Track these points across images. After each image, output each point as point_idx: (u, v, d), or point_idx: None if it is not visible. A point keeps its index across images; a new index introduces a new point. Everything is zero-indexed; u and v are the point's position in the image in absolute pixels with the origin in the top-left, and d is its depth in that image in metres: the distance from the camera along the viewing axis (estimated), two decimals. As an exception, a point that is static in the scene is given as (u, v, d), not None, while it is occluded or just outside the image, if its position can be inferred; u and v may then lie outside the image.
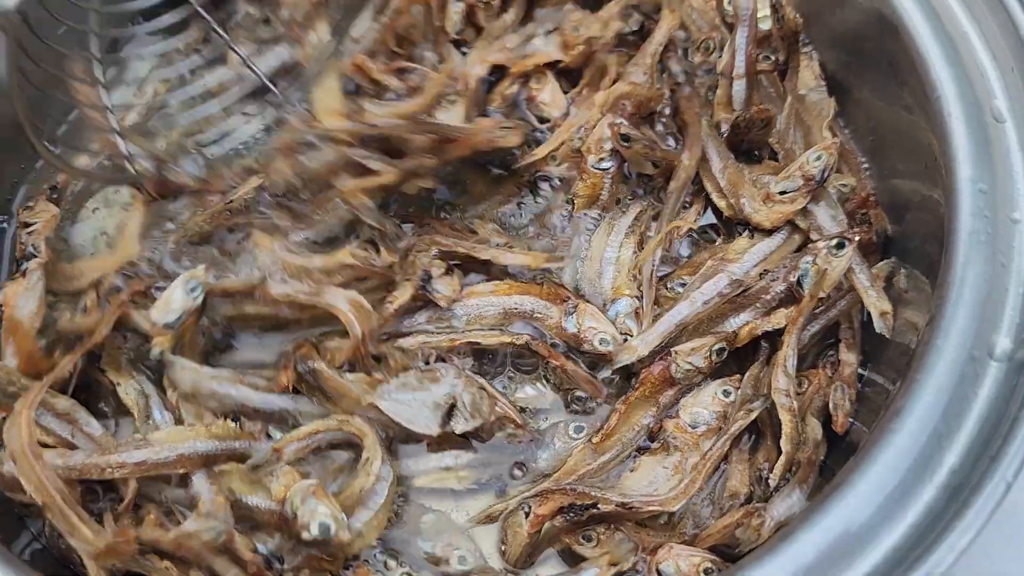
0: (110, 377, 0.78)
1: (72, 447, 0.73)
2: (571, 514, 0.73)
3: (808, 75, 0.90)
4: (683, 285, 0.83)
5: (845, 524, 0.62)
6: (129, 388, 0.77)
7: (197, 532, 0.68)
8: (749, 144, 0.90)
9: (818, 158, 0.81)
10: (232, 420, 0.76)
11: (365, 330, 0.77)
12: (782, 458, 0.74)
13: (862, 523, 0.62)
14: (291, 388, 0.78)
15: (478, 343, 0.81)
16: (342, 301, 0.78)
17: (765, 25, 0.90)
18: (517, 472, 0.80)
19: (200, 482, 0.72)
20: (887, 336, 0.77)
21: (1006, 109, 0.72)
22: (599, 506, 0.73)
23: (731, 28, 0.91)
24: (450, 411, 0.76)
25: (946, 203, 0.71)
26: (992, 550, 0.76)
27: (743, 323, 0.80)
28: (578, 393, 0.82)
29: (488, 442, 0.80)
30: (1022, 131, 0.71)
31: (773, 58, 0.91)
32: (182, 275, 0.77)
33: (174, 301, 0.75)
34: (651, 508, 0.74)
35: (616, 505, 0.73)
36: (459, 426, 0.76)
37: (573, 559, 0.76)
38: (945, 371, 0.65)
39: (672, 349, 0.79)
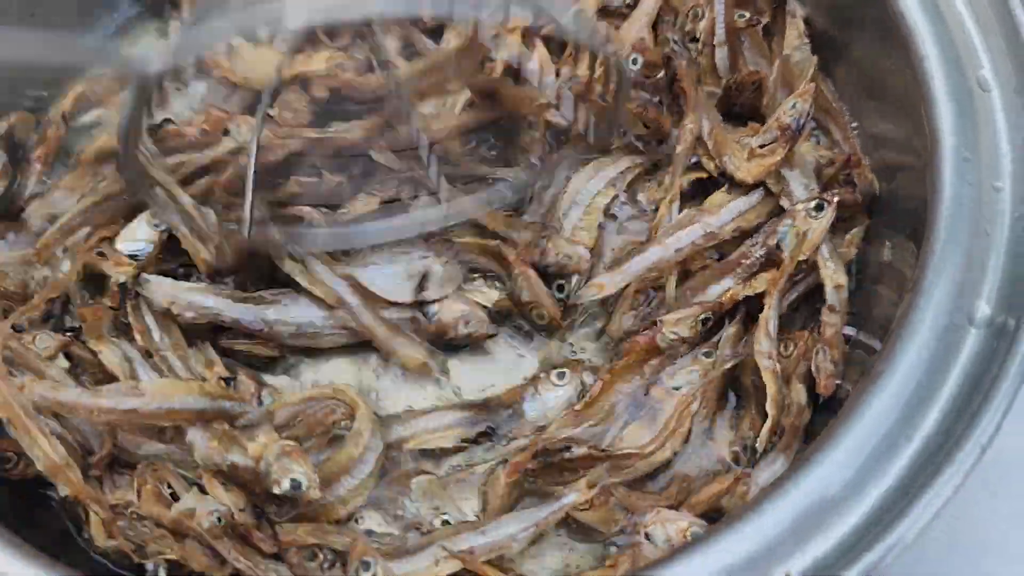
0: (92, 347, 0.77)
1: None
2: (544, 457, 0.74)
3: (792, 34, 0.89)
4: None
5: (824, 486, 0.62)
6: (111, 354, 0.77)
7: (196, 513, 0.68)
8: (742, 109, 0.89)
9: (792, 106, 0.81)
10: (226, 381, 0.76)
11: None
12: (767, 422, 0.74)
13: (841, 485, 0.61)
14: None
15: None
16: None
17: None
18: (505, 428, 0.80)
19: (195, 433, 0.71)
20: (836, 308, 0.77)
21: (992, 78, 0.72)
22: (572, 449, 0.74)
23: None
24: (422, 281, 0.80)
25: (930, 170, 0.71)
26: (973, 512, 0.76)
27: (725, 290, 0.80)
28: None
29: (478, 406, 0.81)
30: (1007, 100, 0.71)
31: (748, 15, 0.90)
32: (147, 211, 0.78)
33: (139, 231, 0.77)
34: (626, 451, 0.75)
35: (589, 448, 0.74)
36: (431, 293, 0.80)
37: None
38: (926, 336, 0.65)
39: (658, 319, 0.79)
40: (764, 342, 0.76)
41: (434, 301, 0.82)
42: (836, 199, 0.79)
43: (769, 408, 0.74)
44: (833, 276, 0.78)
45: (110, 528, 0.69)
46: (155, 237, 0.77)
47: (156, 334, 0.78)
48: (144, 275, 0.78)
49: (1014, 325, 0.64)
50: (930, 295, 0.66)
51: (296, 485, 0.68)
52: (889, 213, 0.81)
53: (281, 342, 0.82)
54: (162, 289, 0.78)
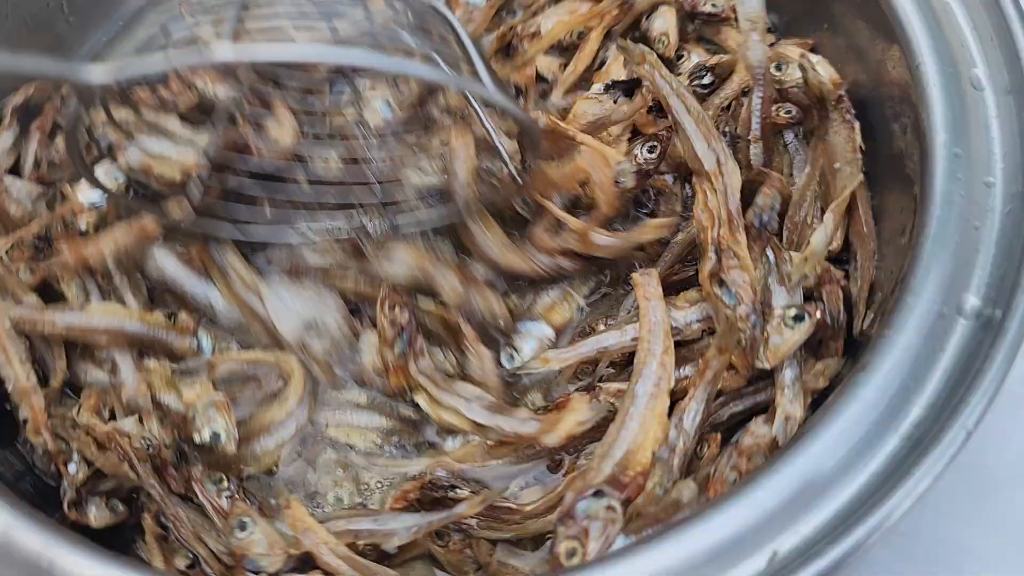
0: (55, 272, 0.82)
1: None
2: (431, 490, 0.76)
3: (847, 147, 0.82)
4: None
5: (810, 473, 0.62)
6: (71, 284, 0.82)
7: (130, 434, 0.73)
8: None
9: (759, 202, 0.80)
10: (168, 316, 0.82)
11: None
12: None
13: (826, 473, 0.62)
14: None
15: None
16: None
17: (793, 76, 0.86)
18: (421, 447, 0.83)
19: (127, 369, 0.78)
20: (779, 443, 0.72)
21: (985, 77, 0.73)
22: (457, 490, 0.76)
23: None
24: (312, 330, 0.83)
25: (921, 165, 0.72)
26: (958, 517, 0.77)
27: (683, 377, 0.76)
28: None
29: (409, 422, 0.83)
30: (1000, 99, 0.72)
31: (793, 111, 0.86)
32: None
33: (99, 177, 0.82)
34: (506, 504, 0.75)
35: (472, 492, 0.76)
36: (313, 346, 0.82)
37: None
38: (915, 327, 0.66)
39: (598, 384, 0.79)
40: (672, 432, 0.72)
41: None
42: (819, 314, 0.74)
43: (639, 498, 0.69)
44: (787, 406, 0.73)
45: (38, 423, 0.75)
46: (113, 185, 0.83)
47: (116, 277, 0.83)
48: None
49: (1001, 317, 0.65)
50: (921, 286, 0.67)
51: (215, 437, 0.73)
52: (881, 192, 0.82)
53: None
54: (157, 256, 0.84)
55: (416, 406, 0.80)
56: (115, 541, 0.75)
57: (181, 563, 0.74)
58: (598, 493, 0.67)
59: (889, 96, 0.81)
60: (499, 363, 0.83)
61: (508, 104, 0.70)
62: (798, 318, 0.73)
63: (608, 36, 0.98)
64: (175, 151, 0.81)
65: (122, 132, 0.82)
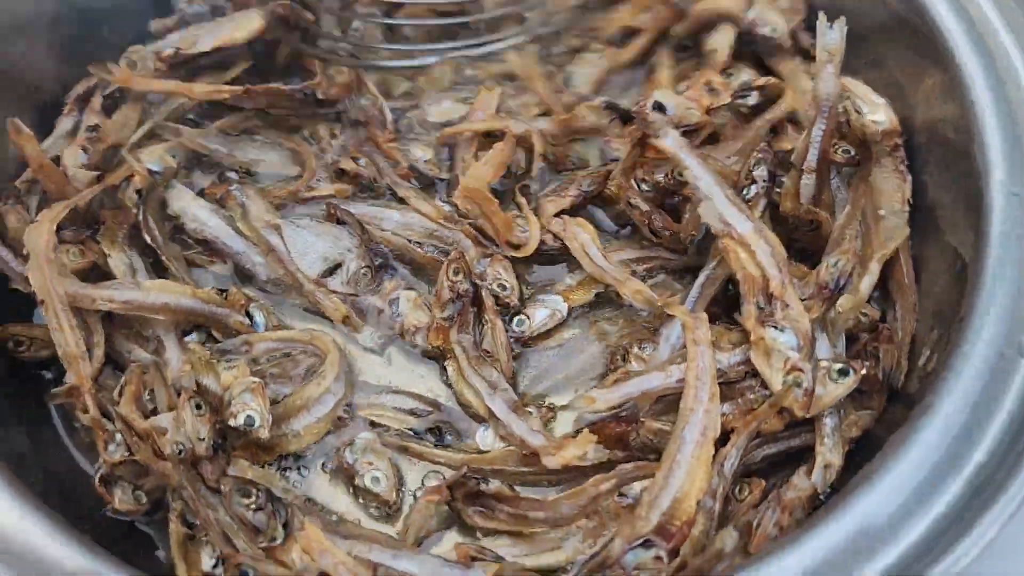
0: (103, 248, 0.85)
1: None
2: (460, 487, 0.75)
3: (896, 196, 0.81)
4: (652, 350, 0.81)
5: (869, 518, 0.62)
6: (119, 261, 0.85)
7: (168, 438, 0.73)
8: (801, 243, 0.85)
9: (835, 263, 0.78)
10: (219, 291, 0.85)
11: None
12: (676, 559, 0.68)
13: (886, 518, 0.61)
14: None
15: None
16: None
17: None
18: (450, 438, 0.82)
19: (172, 348, 0.81)
20: (818, 487, 0.72)
21: (1047, 116, 0.73)
22: (488, 482, 0.76)
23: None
24: (333, 269, 0.86)
25: (980, 206, 0.72)
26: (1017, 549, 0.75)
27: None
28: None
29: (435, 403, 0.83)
30: (1054, 137, 0.73)
31: (852, 151, 0.85)
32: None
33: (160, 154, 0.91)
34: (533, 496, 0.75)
35: (499, 487, 0.76)
36: (333, 283, 0.85)
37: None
38: (975, 369, 0.66)
39: (641, 418, 0.77)
40: (714, 479, 0.70)
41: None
42: (864, 371, 0.73)
43: (684, 547, 0.68)
44: (827, 454, 0.73)
45: (84, 390, 0.77)
46: (172, 164, 0.91)
47: (159, 240, 0.87)
48: (174, 180, 0.90)
49: (1063, 358, 0.64)
50: (980, 329, 0.67)
51: (250, 422, 0.74)
52: (938, 246, 0.80)
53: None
54: (181, 196, 0.89)
55: (448, 386, 0.83)
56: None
57: (207, 562, 0.73)
58: (647, 543, 0.66)
59: (936, 134, 0.81)
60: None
61: None
62: (843, 372, 0.73)
63: (663, 42, 0.99)
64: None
65: None
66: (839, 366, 0.73)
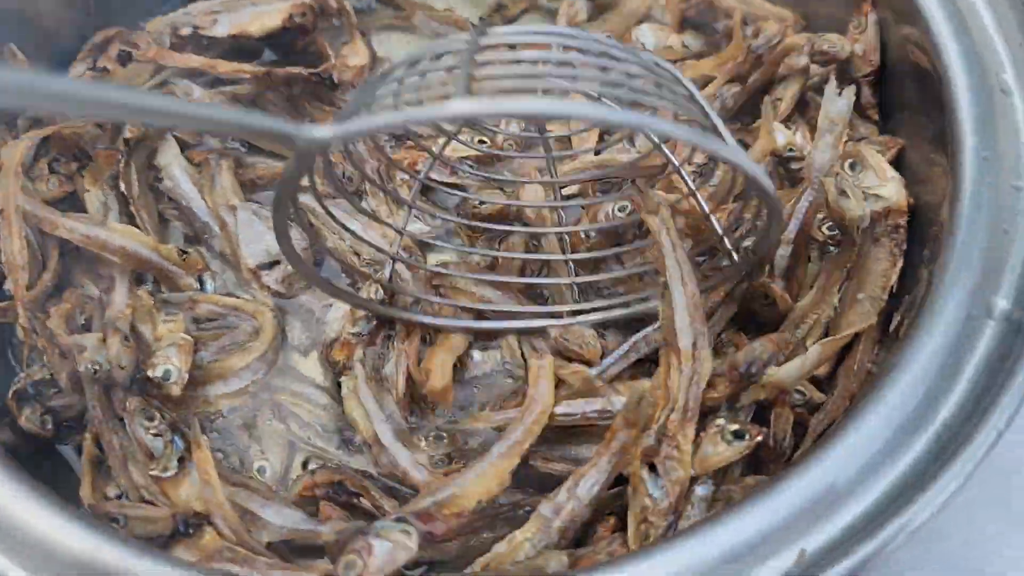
0: (85, 183, 0.88)
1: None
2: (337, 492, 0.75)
3: (877, 280, 0.76)
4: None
5: (832, 477, 0.62)
6: (94, 197, 0.88)
7: (87, 349, 0.75)
8: (755, 316, 0.81)
9: (757, 348, 0.72)
10: (181, 251, 0.87)
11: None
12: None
13: (849, 476, 0.61)
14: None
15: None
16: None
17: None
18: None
19: (121, 291, 0.83)
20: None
21: (1013, 82, 0.74)
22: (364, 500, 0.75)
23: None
24: (273, 264, 0.87)
25: (951, 170, 0.72)
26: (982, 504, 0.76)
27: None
28: None
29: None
30: (1028, 103, 0.73)
31: (838, 233, 0.81)
32: None
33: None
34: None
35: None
36: (268, 277, 0.86)
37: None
38: (943, 330, 0.66)
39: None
40: (562, 495, 0.68)
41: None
42: (760, 437, 0.69)
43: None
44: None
45: (18, 299, 0.80)
46: None
47: (135, 190, 0.89)
48: (168, 133, 0.92)
49: (1030, 320, 0.65)
50: (949, 289, 0.67)
51: (167, 376, 0.76)
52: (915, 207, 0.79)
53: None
54: (166, 152, 0.91)
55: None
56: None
57: (111, 491, 0.75)
58: (400, 519, 0.66)
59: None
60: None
61: (757, 171, 0.61)
62: (738, 435, 0.68)
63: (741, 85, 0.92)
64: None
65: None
66: (734, 427, 0.69)
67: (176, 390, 0.76)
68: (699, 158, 0.87)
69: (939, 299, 0.67)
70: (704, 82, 0.91)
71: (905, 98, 0.85)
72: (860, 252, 0.78)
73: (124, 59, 0.94)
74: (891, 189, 0.77)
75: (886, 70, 0.87)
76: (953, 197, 0.71)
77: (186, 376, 0.77)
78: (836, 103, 0.84)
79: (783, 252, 0.80)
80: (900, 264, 0.76)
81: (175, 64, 0.94)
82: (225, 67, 0.93)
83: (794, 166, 0.88)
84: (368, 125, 0.57)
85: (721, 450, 0.68)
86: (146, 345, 0.79)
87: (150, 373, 0.76)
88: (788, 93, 0.90)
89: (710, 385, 0.71)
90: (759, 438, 0.69)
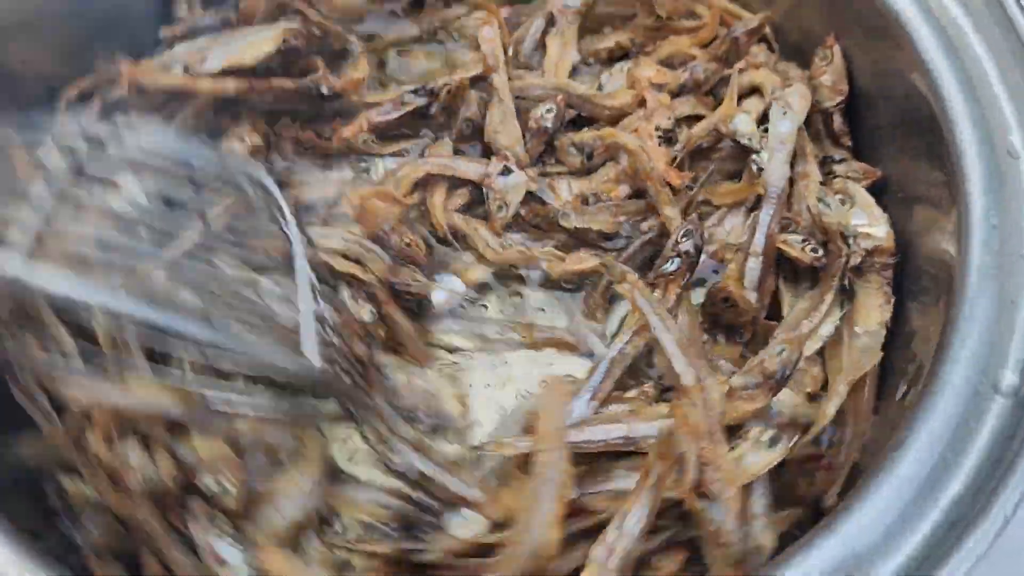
0: None
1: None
2: None
3: (871, 314, 0.80)
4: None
5: (847, 549, 0.63)
6: None
7: (135, 468, 0.73)
8: (726, 322, 0.85)
9: (780, 352, 0.76)
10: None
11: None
12: None
13: (863, 549, 0.63)
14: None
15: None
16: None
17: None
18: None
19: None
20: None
21: (1021, 146, 0.73)
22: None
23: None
24: None
25: (958, 237, 0.72)
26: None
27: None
28: None
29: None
30: (1036, 168, 0.73)
31: (820, 253, 0.83)
32: None
33: None
34: None
35: None
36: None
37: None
38: (951, 403, 0.66)
39: None
40: (611, 534, 0.70)
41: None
42: (795, 439, 0.75)
43: None
44: (758, 536, 0.73)
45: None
46: None
47: None
48: None
49: (1040, 394, 0.65)
50: (955, 362, 0.68)
51: (222, 489, 0.73)
52: (916, 278, 0.81)
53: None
54: None
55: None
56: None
57: None
58: None
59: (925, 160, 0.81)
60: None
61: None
62: (774, 440, 0.74)
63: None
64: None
65: None
66: (771, 434, 0.75)
67: (233, 504, 0.74)
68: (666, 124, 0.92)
69: (946, 371, 0.68)
70: (683, 60, 0.99)
71: (909, 148, 0.84)
72: (852, 291, 0.81)
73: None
74: (881, 230, 0.82)
75: (869, 98, 0.89)
76: (961, 265, 0.71)
77: (241, 494, 0.74)
78: (782, 124, 0.88)
79: (753, 264, 0.84)
80: (892, 300, 0.80)
81: (156, 84, 0.91)
82: (206, 85, 0.91)
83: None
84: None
85: (763, 456, 0.75)
86: (187, 467, 0.75)
87: (201, 487, 0.74)
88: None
89: (749, 399, 0.76)
90: (795, 438, 0.75)
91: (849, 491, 0.67)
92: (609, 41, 1.02)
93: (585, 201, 0.92)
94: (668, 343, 0.79)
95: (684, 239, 0.83)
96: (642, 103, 0.95)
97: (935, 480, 0.64)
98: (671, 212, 0.88)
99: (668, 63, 1.00)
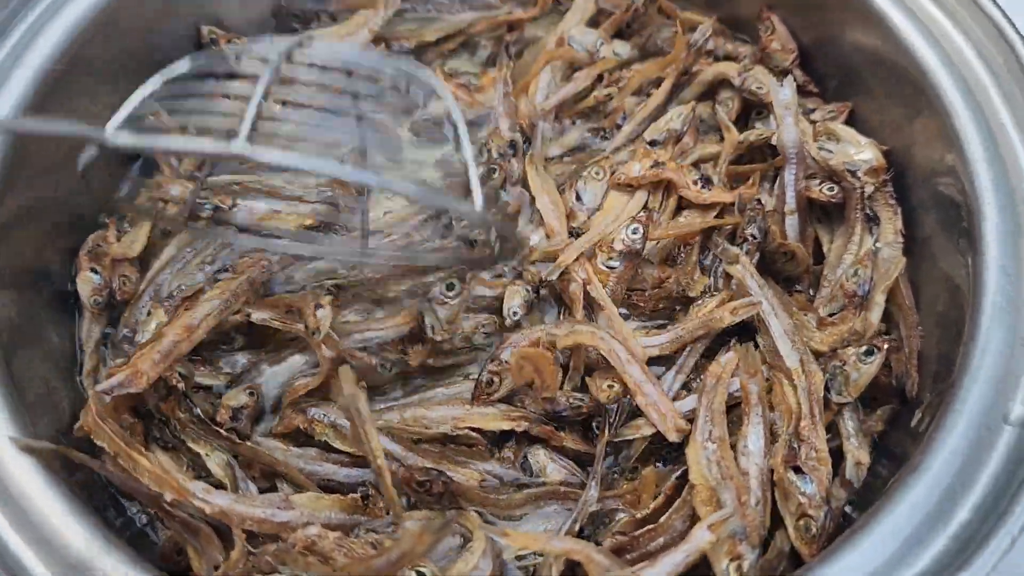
0: (194, 448, 0.84)
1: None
2: None
3: (888, 228, 0.92)
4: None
5: (858, 571, 0.68)
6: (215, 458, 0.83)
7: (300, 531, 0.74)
8: (784, 275, 0.95)
9: (855, 273, 0.88)
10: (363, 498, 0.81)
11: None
12: None
13: (874, 570, 0.68)
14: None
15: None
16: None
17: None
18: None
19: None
20: (855, 484, 0.82)
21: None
22: None
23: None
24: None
25: (972, 277, 0.78)
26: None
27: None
28: None
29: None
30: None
31: (836, 189, 0.94)
32: None
33: None
34: None
35: None
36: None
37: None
38: (962, 432, 0.72)
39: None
40: (741, 459, 0.80)
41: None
42: (887, 346, 0.84)
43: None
44: (856, 452, 0.83)
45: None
46: None
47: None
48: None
49: (1047, 426, 0.70)
50: (967, 394, 0.73)
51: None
52: (932, 310, 0.87)
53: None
54: None
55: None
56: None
57: None
58: None
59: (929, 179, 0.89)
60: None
61: (486, 216, 0.72)
62: (869, 352, 0.84)
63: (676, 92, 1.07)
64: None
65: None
66: (864, 348, 0.84)
67: None
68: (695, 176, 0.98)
69: (958, 401, 0.73)
70: (653, 82, 1.05)
71: (924, 198, 0.91)
72: (876, 216, 0.93)
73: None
74: (869, 152, 0.93)
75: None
76: (973, 304, 0.76)
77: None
78: (782, 92, 0.99)
79: (792, 221, 0.94)
80: (899, 210, 0.91)
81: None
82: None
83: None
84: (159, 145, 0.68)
85: (863, 370, 0.84)
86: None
87: None
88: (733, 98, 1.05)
89: (841, 321, 0.88)
90: (886, 345, 0.84)
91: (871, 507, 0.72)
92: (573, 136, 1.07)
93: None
94: (774, 326, 0.88)
95: (750, 224, 0.92)
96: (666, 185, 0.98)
97: (946, 505, 0.69)
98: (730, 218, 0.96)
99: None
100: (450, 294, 0.88)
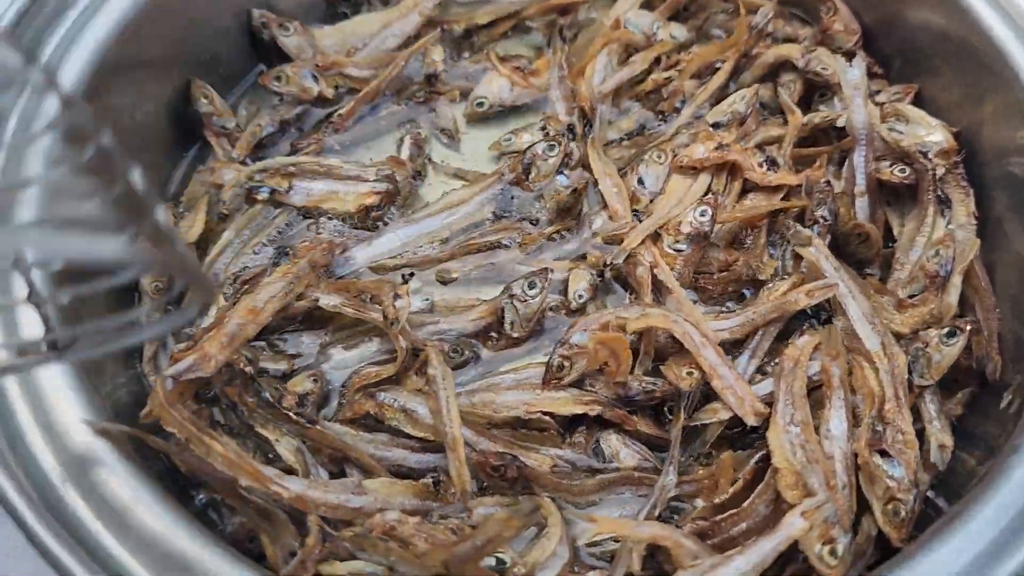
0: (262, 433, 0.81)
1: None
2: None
3: (961, 211, 0.91)
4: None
5: (967, 552, 0.67)
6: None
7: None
8: (856, 258, 0.93)
9: (936, 254, 0.87)
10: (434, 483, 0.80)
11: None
12: None
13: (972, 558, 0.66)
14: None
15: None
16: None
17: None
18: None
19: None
20: (939, 467, 0.80)
21: None
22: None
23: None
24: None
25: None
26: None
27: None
28: None
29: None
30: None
31: (907, 171, 0.93)
32: None
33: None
34: None
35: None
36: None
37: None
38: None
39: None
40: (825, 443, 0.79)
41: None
42: (969, 327, 0.83)
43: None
44: (939, 435, 0.82)
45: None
46: None
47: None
48: None
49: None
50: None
51: (501, 564, 0.72)
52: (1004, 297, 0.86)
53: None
54: None
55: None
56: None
57: None
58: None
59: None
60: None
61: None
62: (951, 334, 0.83)
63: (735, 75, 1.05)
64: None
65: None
66: (946, 330, 0.83)
67: (521, 570, 0.73)
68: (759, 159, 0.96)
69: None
70: (709, 67, 1.03)
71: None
72: (948, 199, 0.91)
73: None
74: (939, 134, 0.93)
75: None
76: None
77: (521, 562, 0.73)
78: (851, 73, 0.98)
79: (861, 203, 0.93)
80: (971, 192, 0.91)
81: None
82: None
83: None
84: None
85: (946, 351, 0.83)
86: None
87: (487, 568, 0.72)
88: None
89: (921, 303, 0.86)
90: (968, 327, 0.83)
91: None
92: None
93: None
94: (853, 308, 0.86)
95: (820, 207, 0.91)
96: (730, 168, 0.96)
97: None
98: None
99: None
100: (531, 292, 0.87)
